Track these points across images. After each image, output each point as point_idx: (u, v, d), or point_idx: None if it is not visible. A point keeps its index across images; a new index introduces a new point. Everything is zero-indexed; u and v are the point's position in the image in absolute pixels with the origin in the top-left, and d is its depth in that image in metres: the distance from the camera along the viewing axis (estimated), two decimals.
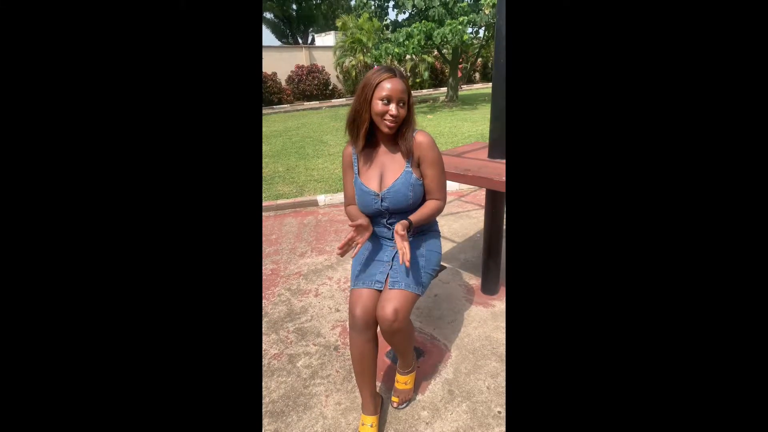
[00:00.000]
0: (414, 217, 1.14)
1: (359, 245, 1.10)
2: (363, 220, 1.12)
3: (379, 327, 1.11)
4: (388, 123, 1.10)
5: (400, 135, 1.16)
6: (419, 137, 1.16)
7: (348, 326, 1.14)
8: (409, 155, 1.16)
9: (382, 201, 1.17)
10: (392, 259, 1.19)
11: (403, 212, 1.19)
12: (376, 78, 1.08)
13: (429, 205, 1.19)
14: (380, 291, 1.14)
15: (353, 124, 1.15)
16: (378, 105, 1.09)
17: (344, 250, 1.06)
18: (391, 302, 1.08)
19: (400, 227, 1.06)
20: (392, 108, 1.08)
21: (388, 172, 1.18)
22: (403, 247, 1.02)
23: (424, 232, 1.27)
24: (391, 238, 1.24)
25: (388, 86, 1.07)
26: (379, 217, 1.23)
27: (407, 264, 1.01)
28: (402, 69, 1.10)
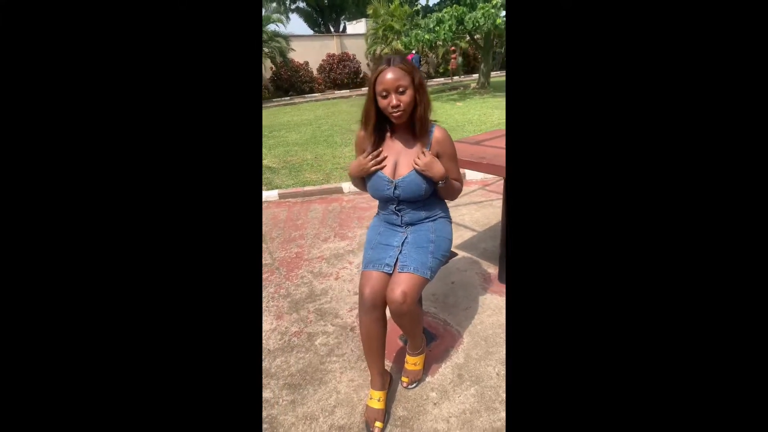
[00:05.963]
0: (445, 182, 1.20)
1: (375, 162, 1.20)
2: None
3: (388, 308, 1.16)
4: (393, 114, 1.13)
5: (415, 121, 1.16)
6: (437, 133, 1.20)
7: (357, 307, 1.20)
8: (426, 144, 1.19)
9: (395, 189, 1.21)
10: (401, 245, 1.23)
11: (414, 201, 1.22)
12: (374, 74, 1.13)
13: (454, 183, 1.27)
14: (389, 274, 1.19)
15: (365, 120, 1.20)
16: (380, 101, 1.13)
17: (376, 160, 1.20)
18: (400, 285, 1.12)
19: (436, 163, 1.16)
20: (393, 99, 1.10)
21: (403, 160, 1.21)
22: (419, 161, 1.15)
23: (434, 218, 1.29)
24: (401, 224, 1.28)
25: (382, 79, 1.10)
26: (389, 203, 1.26)
27: (417, 163, 1.15)
28: (400, 56, 1.10)
